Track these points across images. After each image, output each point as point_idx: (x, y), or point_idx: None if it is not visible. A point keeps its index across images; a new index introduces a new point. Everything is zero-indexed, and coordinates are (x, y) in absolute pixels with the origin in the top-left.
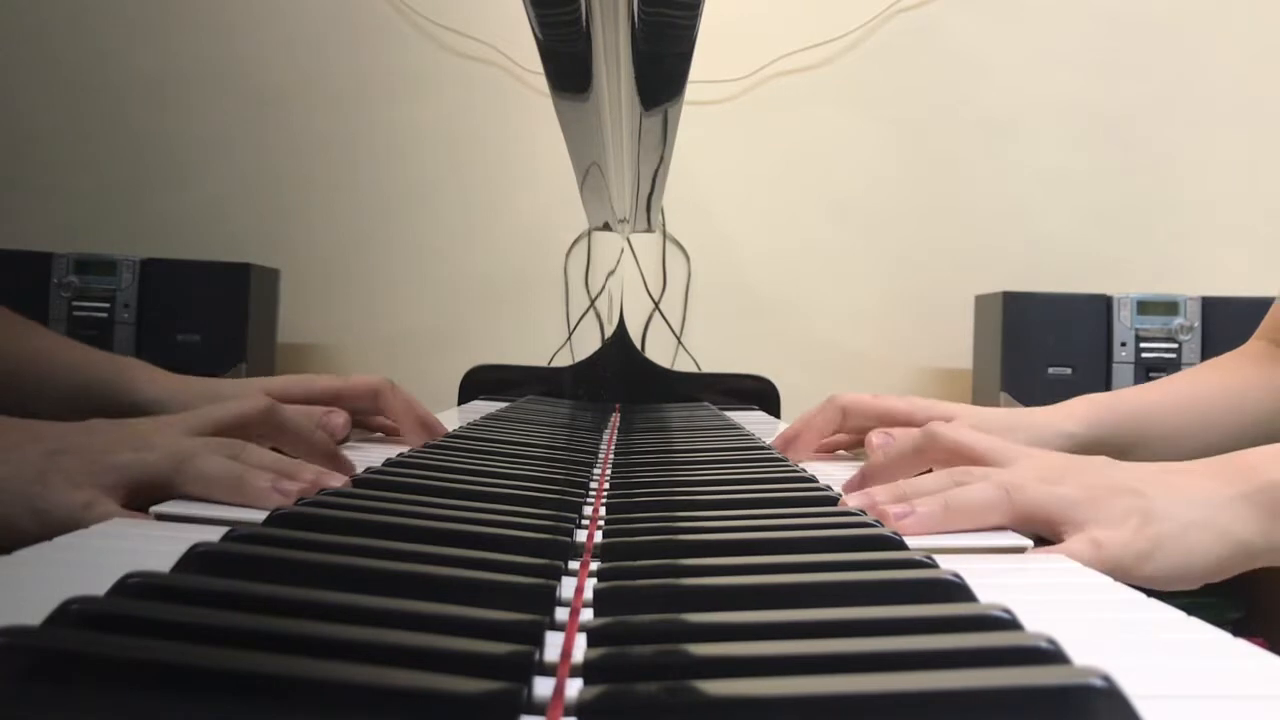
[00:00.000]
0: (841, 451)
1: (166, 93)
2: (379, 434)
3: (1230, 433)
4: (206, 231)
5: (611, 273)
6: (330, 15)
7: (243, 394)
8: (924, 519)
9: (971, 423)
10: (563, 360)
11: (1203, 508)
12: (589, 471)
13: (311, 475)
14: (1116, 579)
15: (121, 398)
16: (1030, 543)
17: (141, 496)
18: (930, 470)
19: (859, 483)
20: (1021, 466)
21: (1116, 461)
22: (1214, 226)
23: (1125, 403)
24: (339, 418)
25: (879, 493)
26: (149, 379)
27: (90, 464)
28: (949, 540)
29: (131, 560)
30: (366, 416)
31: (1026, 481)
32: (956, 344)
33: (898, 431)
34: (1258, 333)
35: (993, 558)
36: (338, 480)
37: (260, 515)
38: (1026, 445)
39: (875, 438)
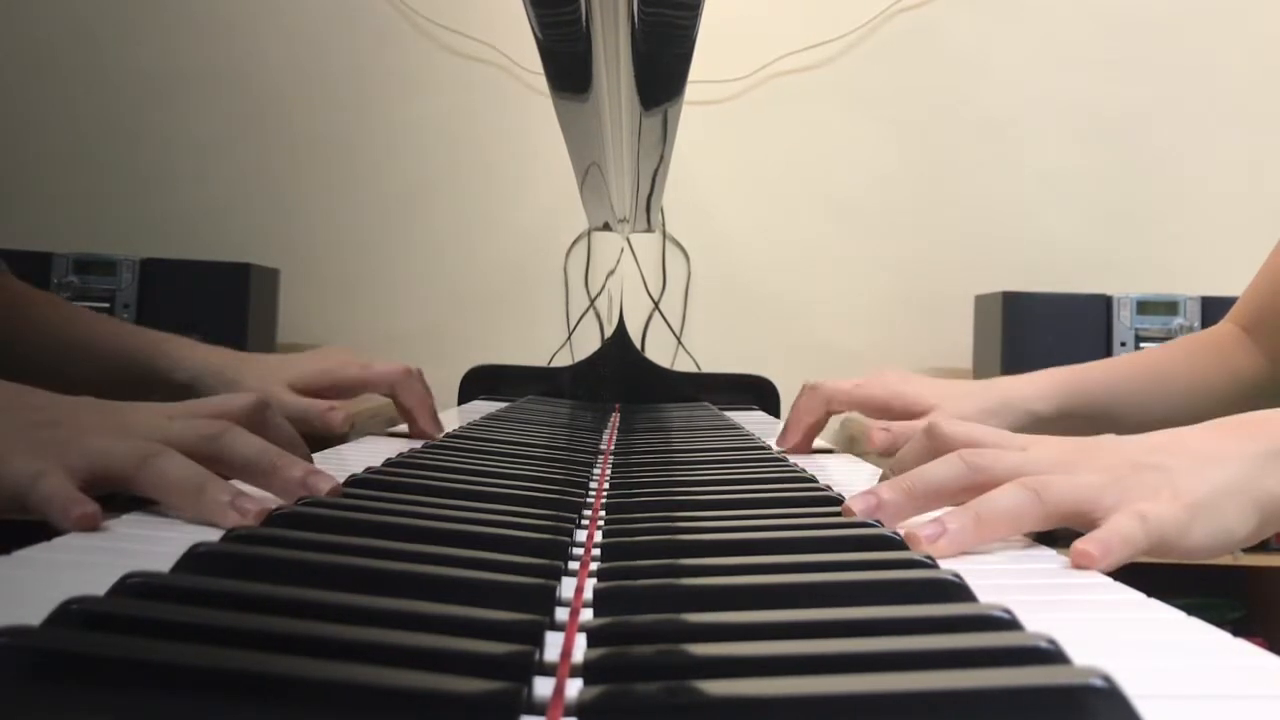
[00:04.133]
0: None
1: (166, 93)
2: (380, 433)
3: (1190, 414)
4: (206, 231)
5: (611, 273)
6: (330, 15)
7: (266, 375)
8: (956, 536)
9: (949, 409)
10: (562, 360)
11: (1229, 471)
12: (589, 471)
13: (299, 471)
14: (1160, 555)
15: (160, 370)
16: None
17: (104, 487)
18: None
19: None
20: (1034, 457)
21: (1122, 437)
22: (1214, 226)
23: (1093, 378)
24: (339, 415)
25: (885, 491)
26: (186, 352)
27: (61, 442)
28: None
29: (131, 560)
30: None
31: (1050, 477)
32: (956, 344)
33: (896, 426)
34: (1229, 316)
35: (991, 557)
36: (323, 486)
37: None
38: (1007, 429)
39: (877, 436)
